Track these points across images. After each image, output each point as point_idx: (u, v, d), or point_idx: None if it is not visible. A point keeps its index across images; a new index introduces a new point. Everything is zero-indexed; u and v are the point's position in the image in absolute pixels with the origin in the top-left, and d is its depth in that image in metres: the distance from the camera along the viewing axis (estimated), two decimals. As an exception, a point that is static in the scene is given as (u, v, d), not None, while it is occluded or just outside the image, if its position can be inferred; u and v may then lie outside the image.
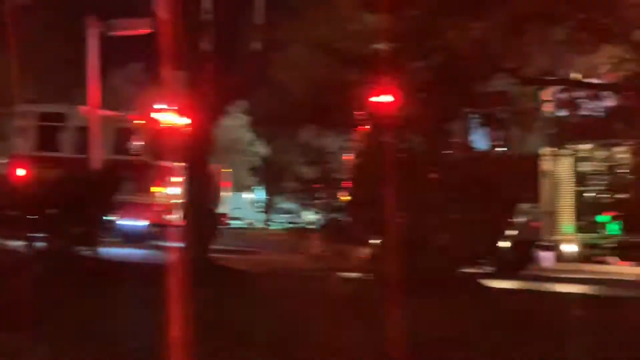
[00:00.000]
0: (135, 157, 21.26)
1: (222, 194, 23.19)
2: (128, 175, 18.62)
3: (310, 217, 14.07)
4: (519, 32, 6.68)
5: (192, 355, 5.15)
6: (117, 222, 19.18)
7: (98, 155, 20.20)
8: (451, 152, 13.57)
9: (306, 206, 14.20)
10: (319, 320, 8.60)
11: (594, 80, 8.36)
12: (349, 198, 13.73)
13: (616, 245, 14.51)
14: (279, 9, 14.98)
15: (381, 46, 8.30)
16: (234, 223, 30.41)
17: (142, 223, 20.75)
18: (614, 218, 14.46)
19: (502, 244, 15.06)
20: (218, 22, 13.80)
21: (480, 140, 15.60)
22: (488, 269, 13.90)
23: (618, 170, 13.69)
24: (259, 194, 37.97)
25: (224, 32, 13.65)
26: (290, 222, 14.79)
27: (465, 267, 12.51)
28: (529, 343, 8.26)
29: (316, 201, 13.10)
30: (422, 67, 7.17)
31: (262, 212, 36.91)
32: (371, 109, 12.41)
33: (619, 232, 14.53)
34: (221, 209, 21.55)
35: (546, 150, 15.34)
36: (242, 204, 36.63)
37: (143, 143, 21.51)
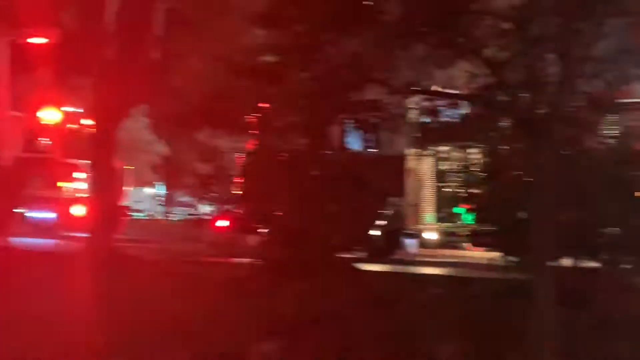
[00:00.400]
0: (43, 155, 20.68)
1: (124, 188, 22.73)
2: (37, 171, 18.09)
3: (205, 209, 13.96)
4: (387, 48, 6.80)
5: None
6: (27, 214, 18.66)
7: (8, 153, 19.50)
8: (329, 152, 13.67)
9: (201, 199, 14.09)
10: (210, 300, 8.56)
11: (452, 91, 8.55)
12: (240, 192, 13.67)
13: (469, 233, 14.84)
14: (179, 23, 14.80)
15: (269, 58, 8.29)
16: (136, 215, 29.92)
17: (51, 215, 20.16)
18: (468, 210, 14.78)
19: (373, 232, 15.25)
20: (120, 33, 13.52)
21: (355, 142, 15.76)
22: (361, 255, 14.07)
23: (471, 169, 13.99)
24: (159, 189, 37.33)
25: (126, 42, 13.38)
26: (187, 214, 14.60)
27: (341, 253, 12.64)
28: (391, 316, 8.45)
29: (210, 195, 13.01)
30: (304, 77, 7.22)
31: (162, 205, 36.28)
32: (261, 114, 12.42)
33: (472, 222, 14.86)
34: (124, 203, 21.10)
35: (411, 151, 15.62)
36: (144, 198, 36.07)
37: (51, 142, 20.94)
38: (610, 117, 11.14)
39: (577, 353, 6.34)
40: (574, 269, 10.01)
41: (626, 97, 12.27)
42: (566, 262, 9.99)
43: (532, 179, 6.47)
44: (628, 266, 10.68)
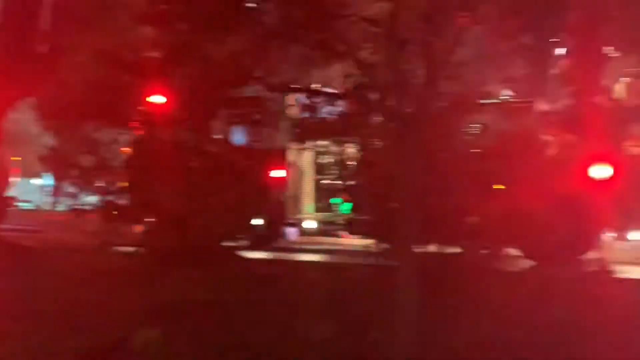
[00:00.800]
0: None
1: (11, 179, 21.82)
2: None
3: (90, 199, 13.59)
4: (264, 48, 6.83)
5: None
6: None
7: None
8: (213, 145, 13.60)
9: (87, 190, 13.71)
10: (94, 289, 8.37)
11: (329, 90, 8.68)
12: (126, 183, 13.40)
13: (346, 222, 15.09)
14: (66, 18, 14.34)
15: (154, 54, 8.16)
16: (23, 205, 28.87)
17: None
18: (345, 200, 15.04)
19: (256, 221, 15.30)
20: (5, 26, 12.98)
21: (238, 136, 15.75)
22: (245, 243, 14.09)
23: (348, 163, 14.24)
24: (46, 180, 36.08)
25: (11, 35, 12.86)
26: (73, 204, 14.16)
27: (225, 241, 12.61)
28: (271, 300, 8.52)
29: (95, 185, 12.69)
30: (187, 73, 7.15)
31: (49, 195, 35.10)
32: (145, 108, 12.20)
33: (348, 212, 15.11)
34: (10, 193, 20.24)
35: (292, 145, 15.74)
36: (31, 189, 34.86)
37: None
38: (471, 116, 11.59)
39: (435, 329, 6.57)
40: (438, 255, 10.37)
41: (485, 98, 12.87)
42: (432, 248, 10.36)
43: (400, 172, 6.63)
44: (486, 251, 11.17)
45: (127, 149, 13.01)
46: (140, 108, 12.20)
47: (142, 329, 7.31)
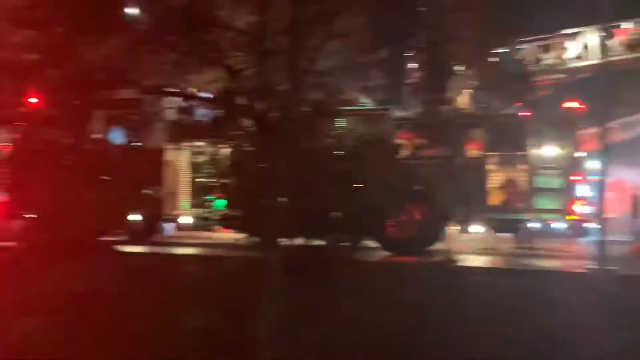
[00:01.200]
0: None
1: None
2: None
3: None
4: (138, 52, 6.63)
5: None
6: None
7: None
8: (90, 145, 13.14)
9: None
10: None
11: (202, 94, 8.52)
12: (6, 180, 12.75)
13: (220, 217, 14.98)
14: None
15: (30, 56, 7.73)
16: None
17: None
18: (219, 197, 14.92)
19: (134, 217, 14.92)
20: None
21: (117, 136, 15.27)
22: (122, 238, 13.70)
23: (221, 162, 14.11)
24: None
25: None
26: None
27: (101, 236, 12.20)
28: (147, 291, 8.33)
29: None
30: (62, 75, 6.83)
31: None
32: (23, 109, 11.60)
33: (222, 208, 14.99)
34: None
35: (169, 145, 15.46)
36: None
37: None
38: (334, 121, 11.78)
39: (299, 315, 6.61)
40: (304, 247, 10.46)
41: (347, 105, 13.12)
42: (299, 241, 10.44)
43: (267, 172, 6.61)
44: (347, 244, 11.38)
45: (8, 148, 12.38)
46: (18, 109, 11.60)
47: (21, 321, 6.99)
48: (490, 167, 14.66)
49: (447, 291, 8.55)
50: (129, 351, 6.46)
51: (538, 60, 18.67)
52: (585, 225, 16.22)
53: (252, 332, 6.14)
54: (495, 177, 14.64)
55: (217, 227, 15.66)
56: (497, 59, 16.64)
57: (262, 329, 5.84)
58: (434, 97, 14.49)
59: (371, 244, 13.36)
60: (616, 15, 14.46)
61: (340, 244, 11.21)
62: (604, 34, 16.02)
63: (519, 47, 17.56)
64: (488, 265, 13.25)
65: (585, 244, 15.53)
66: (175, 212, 15.87)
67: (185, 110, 13.42)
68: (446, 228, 14.20)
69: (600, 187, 12.63)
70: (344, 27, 6.90)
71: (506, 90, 15.11)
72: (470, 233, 15.20)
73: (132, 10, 6.96)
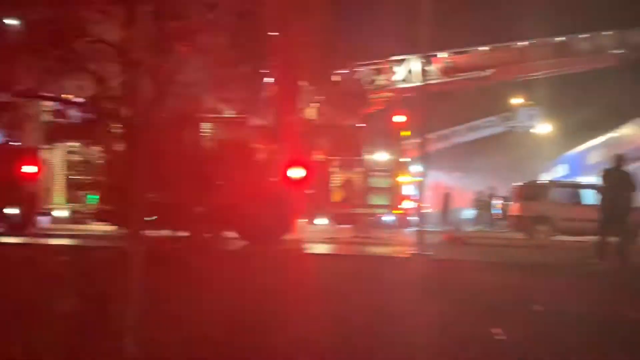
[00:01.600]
0: None
1: None
2: None
3: None
4: (8, 58, 6.16)
5: None
6: None
7: None
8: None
9: None
10: None
11: (73, 98, 8.04)
12: None
13: (93, 211, 14.44)
14: None
15: None
16: None
17: None
18: (92, 193, 14.41)
19: (10, 210, 14.11)
20: None
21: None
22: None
23: (96, 161, 13.58)
24: None
25: None
26: None
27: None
28: (20, 281, 7.71)
29: None
30: None
31: None
32: None
33: (95, 202, 14.45)
34: None
35: (45, 145, 14.75)
36: None
37: None
38: (196, 127, 11.60)
39: (159, 299, 6.38)
40: (170, 238, 10.19)
41: (209, 113, 12.99)
42: (165, 232, 10.16)
43: (132, 170, 6.36)
44: (209, 235, 11.22)
45: None
46: None
47: None
48: (332, 169, 15.08)
49: (296, 274, 8.64)
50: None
51: (372, 81, 19.51)
52: (409, 218, 17.21)
53: (118, 315, 5.86)
54: (337, 178, 15.11)
55: (91, 220, 15.07)
56: (338, 79, 17.13)
57: (128, 312, 5.59)
58: (285, 108, 14.65)
59: (231, 234, 13.27)
60: (434, 46, 15.32)
61: (203, 235, 11.04)
62: (424, 60, 17.00)
63: (356, 69, 18.22)
64: (331, 252, 13.55)
65: (408, 234, 16.32)
66: (50, 206, 15.09)
67: (60, 113, 12.76)
68: (296, 220, 14.39)
69: (420, 187, 13.36)
70: (206, 44, 6.76)
71: (345, 105, 15.58)
72: (316, 225, 15.53)
73: (4, 18, 6.46)
